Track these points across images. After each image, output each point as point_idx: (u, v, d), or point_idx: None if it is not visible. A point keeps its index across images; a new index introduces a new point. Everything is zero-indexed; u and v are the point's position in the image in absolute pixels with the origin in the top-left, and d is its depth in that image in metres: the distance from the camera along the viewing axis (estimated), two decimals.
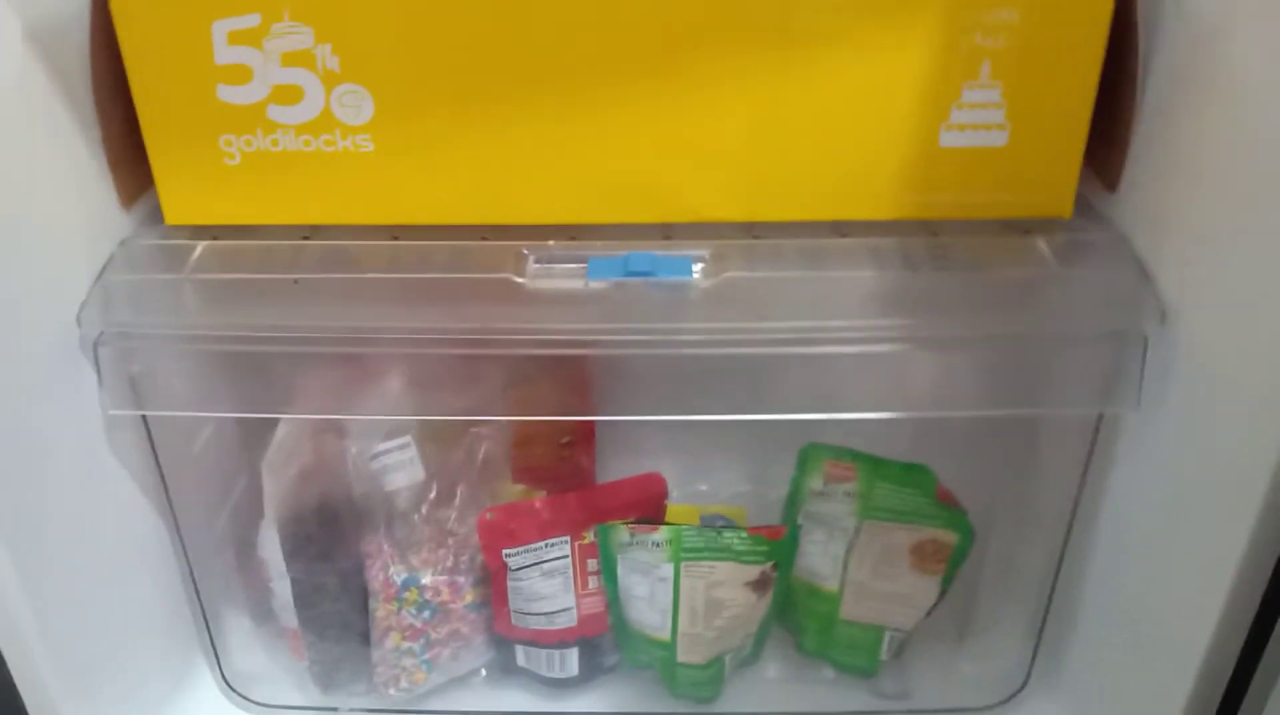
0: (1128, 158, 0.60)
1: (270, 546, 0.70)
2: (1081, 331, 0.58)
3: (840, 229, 0.62)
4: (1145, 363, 0.57)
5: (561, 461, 0.79)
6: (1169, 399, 0.57)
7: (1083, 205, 0.62)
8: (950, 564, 0.70)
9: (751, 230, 0.62)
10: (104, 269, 0.59)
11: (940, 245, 0.61)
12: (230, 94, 0.58)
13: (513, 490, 0.74)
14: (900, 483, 0.69)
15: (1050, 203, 0.62)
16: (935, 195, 0.61)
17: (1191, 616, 0.55)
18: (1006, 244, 0.61)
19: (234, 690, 0.74)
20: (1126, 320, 0.58)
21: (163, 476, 0.66)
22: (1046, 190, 0.61)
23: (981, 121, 0.59)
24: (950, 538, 0.69)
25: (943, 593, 0.71)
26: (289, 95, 0.58)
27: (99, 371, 0.59)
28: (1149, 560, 0.61)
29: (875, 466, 0.69)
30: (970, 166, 0.60)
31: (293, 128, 0.59)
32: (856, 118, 0.59)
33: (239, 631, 0.76)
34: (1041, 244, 0.60)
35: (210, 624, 0.73)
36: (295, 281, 0.58)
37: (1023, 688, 0.73)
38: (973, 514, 0.69)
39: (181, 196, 0.61)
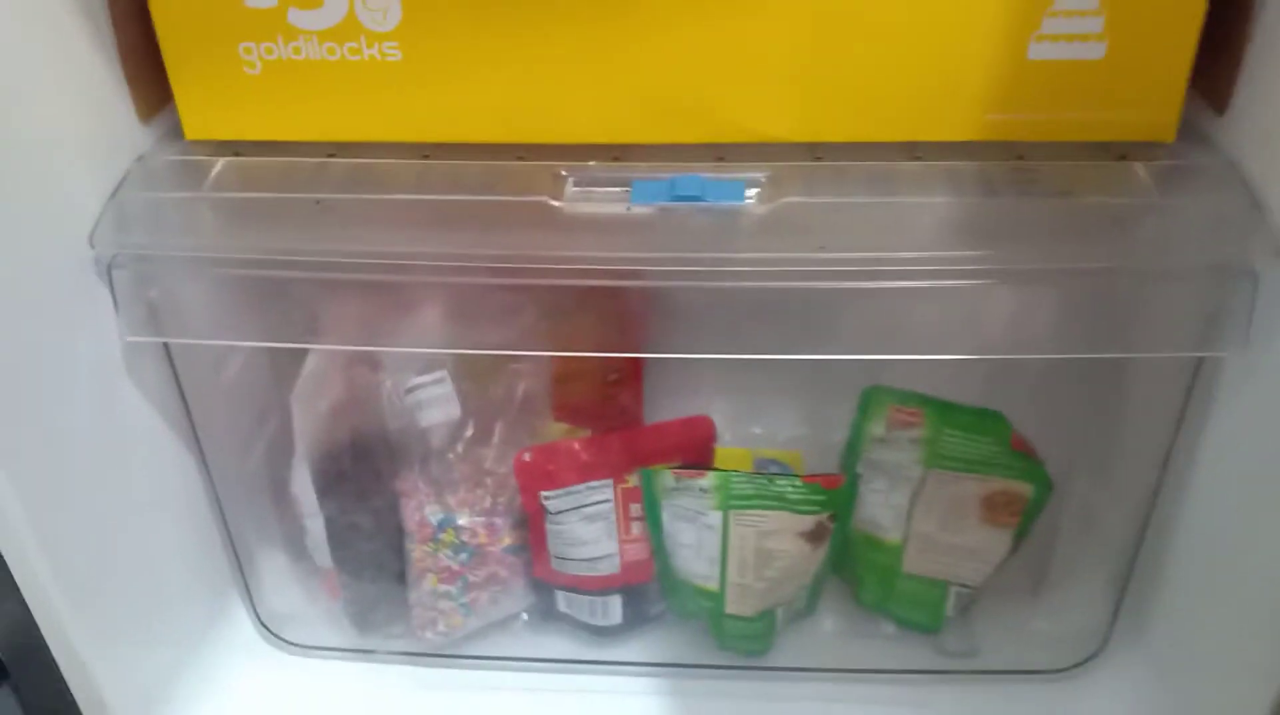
0: (1239, 76, 0.55)
1: (302, 483, 0.68)
2: (1184, 266, 0.53)
3: (913, 151, 0.58)
4: (1256, 300, 0.52)
5: (606, 400, 0.76)
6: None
7: (1187, 128, 0.57)
8: (1024, 517, 0.66)
9: (813, 152, 0.58)
10: (119, 187, 0.57)
11: (1025, 169, 0.56)
12: None
13: (554, 429, 0.72)
14: (971, 430, 0.65)
15: (1151, 124, 0.57)
16: (1021, 114, 0.57)
17: None
18: (1100, 169, 0.56)
19: (269, 631, 0.73)
20: (1234, 254, 0.53)
21: (188, 409, 0.64)
22: (1147, 110, 0.56)
23: (1077, 31, 0.54)
24: (1024, 489, 0.65)
25: (1015, 547, 0.67)
26: None
27: (114, 296, 0.56)
28: (1248, 515, 0.57)
29: (944, 412, 0.65)
30: (1062, 82, 0.55)
31: (315, 34, 0.55)
32: (933, 24, 0.54)
33: (274, 571, 0.74)
34: (1140, 169, 0.56)
35: (244, 563, 0.72)
36: (317, 202, 0.55)
37: (1101, 650, 0.69)
38: (1050, 464, 0.65)
39: (201, 109, 0.59)
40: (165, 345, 0.61)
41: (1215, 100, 0.57)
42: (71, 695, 0.59)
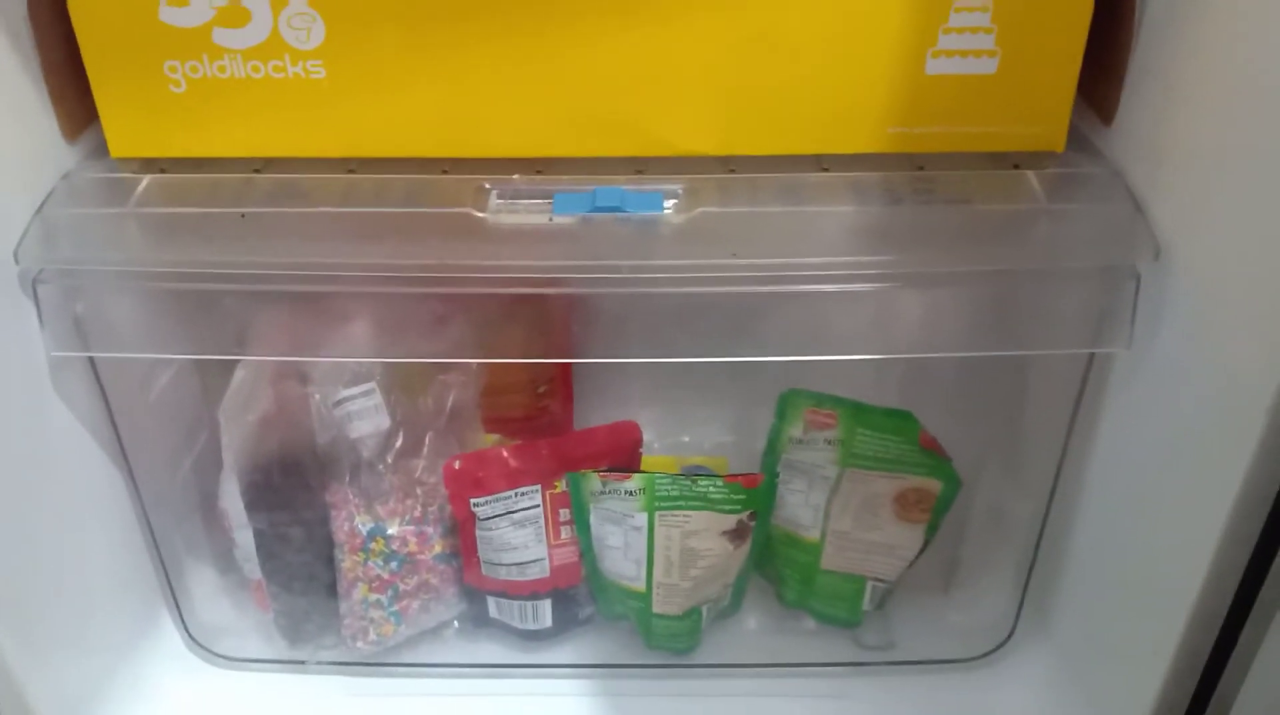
0: (1124, 90, 0.57)
1: (231, 496, 0.68)
2: (1072, 267, 0.56)
3: (820, 163, 0.60)
4: (1138, 300, 0.55)
5: (537, 411, 0.77)
6: (1162, 338, 0.55)
7: (1075, 138, 0.60)
8: (934, 513, 0.68)
9: (727, 164, 0.60)
10: (44, 203, 0.57)
11: (925, 178, 0.59)
12: (173, 15, 0.55)
13: (485, 440, 0.73)
14: (882, 430, 0.67)
15: (1042, 135, 0.59)
16: (921, 127, 0.59)
17: (1182, 564, 0.53)
18: (995, 178, 0.59)
19: (198, 644, 0.73)
20: (1119, 256, 0.56)
21: (115, 423, 0.64)
22: (1038, 122, 0.59)
23: (970, 47, 0.56)
24: (934, 486, 0.67)
25: (927, 542, 0.70)
26: (235, 17, 0.55)
27: (39, 311, 0.56)
28: (1139, 506, 0.59)
29: (857, 413, 0.67)
30: (958, 96, 0.58)
31: (240, 52, 0.56)
32: (839, 43, 0.56)
33: (203, 584, 0.74)
34: (1031, 178, 0.58)
35: (172, 576, 0.71)
36: (243, 216, 0.55)
37: (1009, 638, 0.72)
38: (958, 461, 0.67)
39: (126, 127, 0.59)
40: (91, 360, 0.61)
41: (1102, 112, 0.59)
42: None
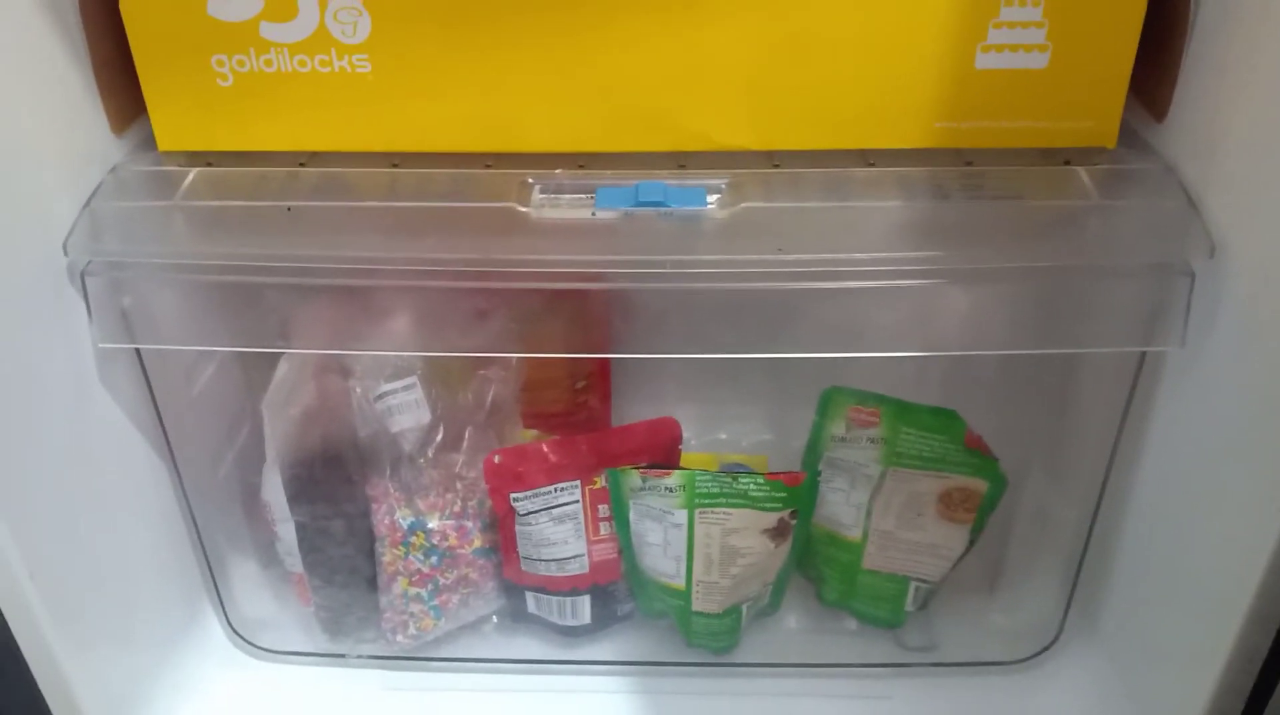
0: (1177, 84, 0.56)
1: (273, 489, 0.68)
2: (1124, 265, 0.55)
3: (866, 158, 0.59)
4: (1192, 298, 0.54)
5: (575, 407, 0.77)
6: (1216, 337, 0.54)
7: (1128, 134, 0.59)
8: (980, 513, 0.68)
9: (771, 159, 0.59)
10: (92, 196, 0.57)
11: (974, 174, 0.58)
12: (221, 10, 0.55)
13: (524, 435, 0.73)
14: (927, 428, 0.66)
15: (1093, 131, 0.59)
16: (970, 121, 0.58)
17: (1237, 566, 0.52)
18: (1045, 173, 0.58)
19: (240, 636, 0.73)
20: (1172, 253, 0.55)
21: (160, 416, 0.64)
22: (1089, 117, 0.58)
23: (1021, 41, 0.56)
24: (979, 486, 0.67)
25: (971, 542, 0.69)
26: (282, 11, 0.55)
27: (87, 302, 0.57)
28: (1192, 507, 0.58)
29: (901, 411, 0.67)
30: (1008, 91, 0.57)
31: (286, 46, 0.56)
32: (885, 36, 0.56)
33: (245, 577, 0.74)
34: (1082, 174, 0.57)
35: (215, 569, 0.72)
36: (288, 209, 0.56)
37: (1055, 641, 0.71)
38: (1004, 460, 0.66)
39: (174, 121, 0.59)
40: (138, 352, 0.62)
41: (1154, 108, 0.59)
42: (44, 700, 0.59)
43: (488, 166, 0.59)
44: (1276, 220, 0.50)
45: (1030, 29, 0.55)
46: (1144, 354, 0.60)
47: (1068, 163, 0.58)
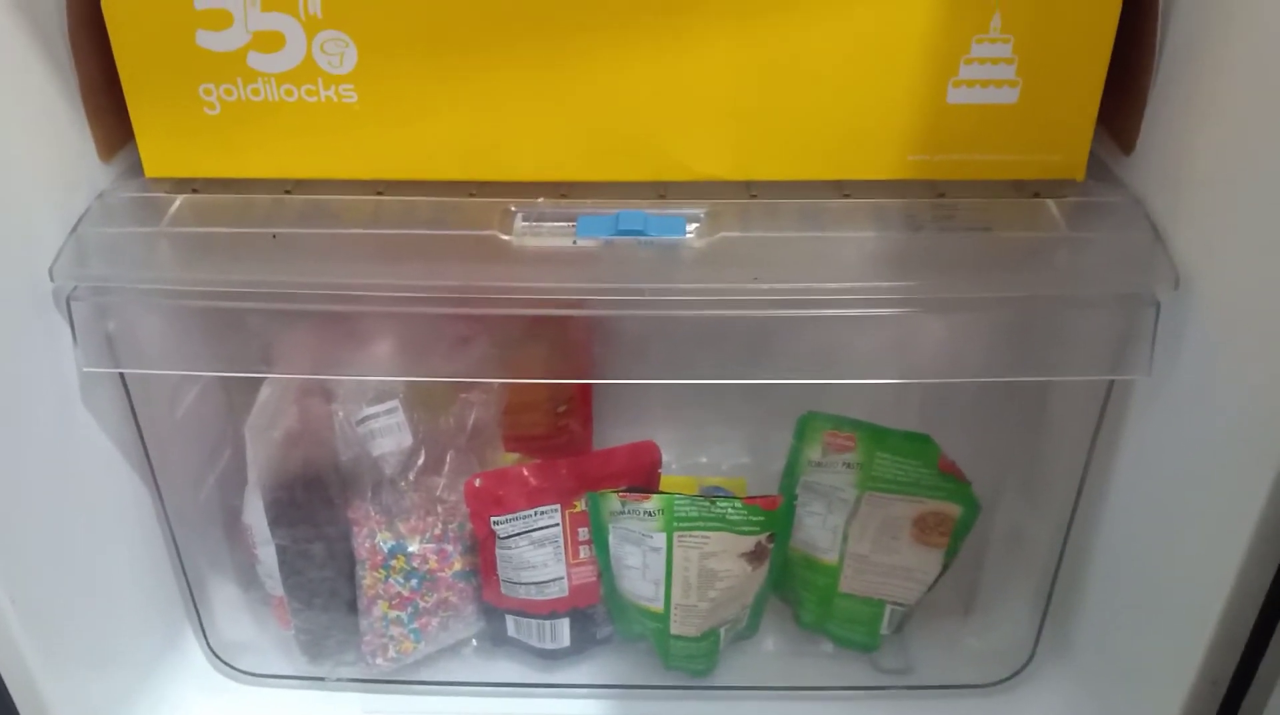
0: (1144, 118, 0.58)
1: (254, 512, 0.69)
2: (1092, 295, 0.57)
3: (841, 189, 0.60)
4: (1158, 328, 0.56)
5: (557, 430, 0.78)
6: (1181, 366, 0.55)
7: (1096, 166, 0.61)
8: (953, 537, 0.68)
9: (749, 189, 0.60)
10: (79, 221, 0.58)
11: (946, 206, 0.59)
12: (210, 40, 0.56)
13: (505, 459, 0.73)
14: (901, 453, 0.67)
15: (1062, 164, 0.60)
16: (942, 154, 0.59)
17: (1203, 588, 0.53)
18: (1015, 205, 0.59)
19: (220, 659, 0.73)
20: (1139, 284, 0.56)
21: (143, 439, 0.65)
22: (1058, 150, 0.59)
23: (991, 77, 0.57)
24: (953, 510, 0.68)
25: (945, 566, 0.70)
26: (270, 42, 0.56)
27: (72, 327, 0.57)
28: (1160, 531, 0.59)
29: (876, 436, 0.68)
30: (979, 125, 0.58)
31: (274, 76, 0.57)
32: (860, 71, 0.57)
33: (226, 600, 0.75)
34: (1052, 206, 0.58)
35: (195, 592, 0.72)
36: (274, 236, 0.56)
37: (1029, 663, 0.71)
38: (977, 485, 0.67)
39: (161, 148, 0.60)
40: (121, 376, 0.62)
41: (1122, 141, 0.60)
42: None
43: (471, 195, 0.60)
44: (1239, 253, 0.51)
45: (1000, 65, 0.57)
46: (1112, 382, 0.61)
47: (1037, 195, 0.59)
